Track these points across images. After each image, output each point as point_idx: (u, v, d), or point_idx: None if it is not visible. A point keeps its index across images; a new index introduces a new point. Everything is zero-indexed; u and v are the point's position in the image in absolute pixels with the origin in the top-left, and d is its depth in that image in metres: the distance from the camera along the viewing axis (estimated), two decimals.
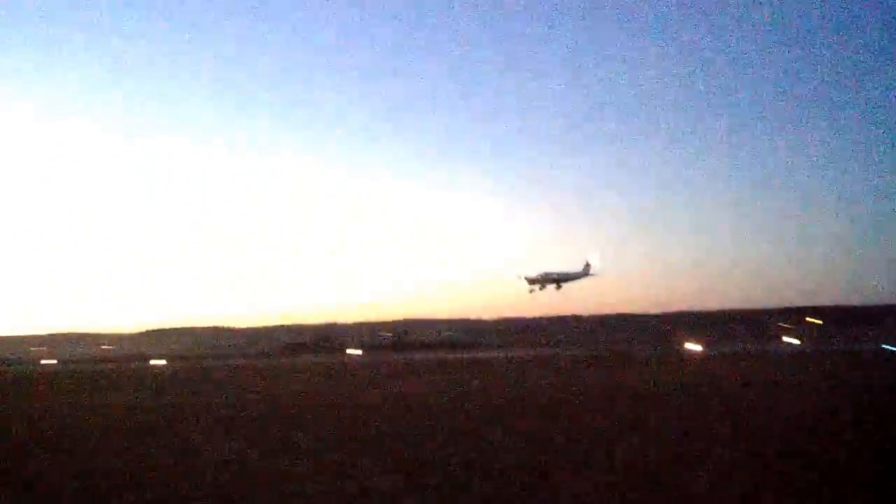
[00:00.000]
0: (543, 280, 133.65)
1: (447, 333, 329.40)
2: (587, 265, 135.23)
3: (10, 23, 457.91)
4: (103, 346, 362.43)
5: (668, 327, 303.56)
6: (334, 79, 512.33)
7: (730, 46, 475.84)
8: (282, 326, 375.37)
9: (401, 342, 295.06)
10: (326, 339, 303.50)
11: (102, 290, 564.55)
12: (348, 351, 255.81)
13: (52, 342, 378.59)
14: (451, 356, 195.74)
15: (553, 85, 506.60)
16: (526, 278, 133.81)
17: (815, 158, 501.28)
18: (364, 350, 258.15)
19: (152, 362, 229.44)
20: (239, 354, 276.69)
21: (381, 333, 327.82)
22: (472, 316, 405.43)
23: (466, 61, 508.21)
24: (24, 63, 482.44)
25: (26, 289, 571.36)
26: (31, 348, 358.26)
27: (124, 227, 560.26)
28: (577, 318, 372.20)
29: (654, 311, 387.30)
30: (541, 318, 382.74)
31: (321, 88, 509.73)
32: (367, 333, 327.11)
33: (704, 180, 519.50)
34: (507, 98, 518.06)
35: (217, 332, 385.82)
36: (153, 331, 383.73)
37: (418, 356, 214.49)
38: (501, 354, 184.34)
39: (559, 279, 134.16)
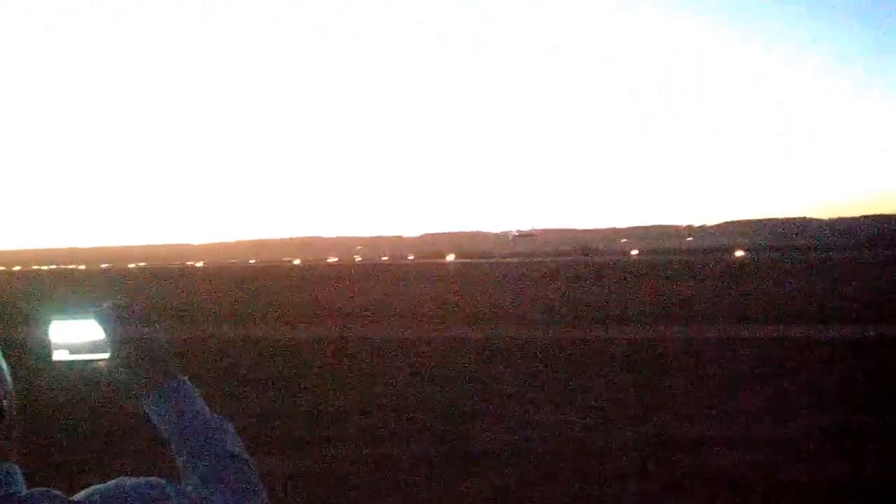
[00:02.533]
0: (519, 235, 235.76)
1: None
2: (519, 231, 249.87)
3: None
4: (687, 239, 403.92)
5: None
6: None
7: None
8: (856, 218, 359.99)
9: None
10: None
11: (683, 185, 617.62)
12: None
13: (634, 235, 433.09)
14: None
15: None
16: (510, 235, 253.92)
17: None
18: None
19: (737, 253, 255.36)
20: (829, 247, 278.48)
21: None
22: None
23: None
24: None
25: (596, 184, 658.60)
26: (621, 240, 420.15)
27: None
28: None
29: None
30: None
31: None
32: None
33: None
34: None
35: (795, 224, 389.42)
36: (731, 222, 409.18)
37: None
38: None
39: (523, 235, 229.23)
